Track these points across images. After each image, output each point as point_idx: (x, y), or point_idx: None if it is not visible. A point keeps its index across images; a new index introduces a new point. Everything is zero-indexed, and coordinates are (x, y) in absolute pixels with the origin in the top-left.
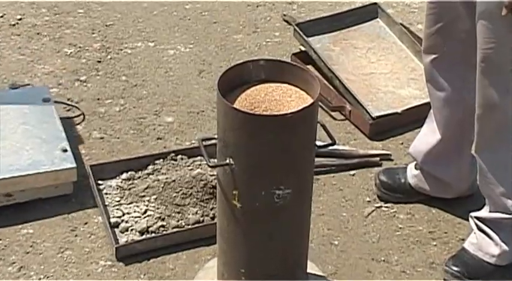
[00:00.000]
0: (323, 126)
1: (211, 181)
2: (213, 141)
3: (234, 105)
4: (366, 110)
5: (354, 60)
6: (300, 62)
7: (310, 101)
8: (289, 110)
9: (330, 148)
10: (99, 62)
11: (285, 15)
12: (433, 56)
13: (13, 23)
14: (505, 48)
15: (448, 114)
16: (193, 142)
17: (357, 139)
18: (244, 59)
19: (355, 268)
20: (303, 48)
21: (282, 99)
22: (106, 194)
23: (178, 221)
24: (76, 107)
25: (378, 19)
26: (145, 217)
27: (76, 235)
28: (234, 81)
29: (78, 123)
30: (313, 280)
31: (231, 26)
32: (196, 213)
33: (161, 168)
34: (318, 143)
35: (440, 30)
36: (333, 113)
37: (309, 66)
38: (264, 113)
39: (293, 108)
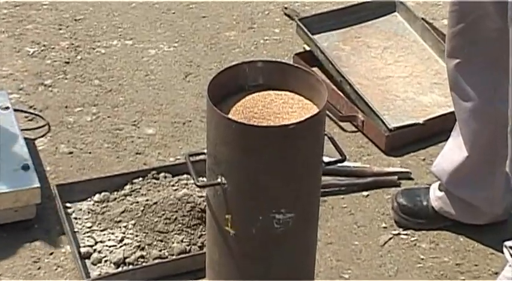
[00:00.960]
0: (331, 139)
1: (200, 204)
2: (202, 156)
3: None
4: (382, 120)
5: (367, 62)
6: (304, 63)
7: (315, 110)
8: (291, 121)
9: (339, 164)
10: (67, 63)
11: (286, 8)
12: (458, 60)
13: None
14: None
15: (477, 127)
16: (178, 157)
17: (371, 154)
18: (239, 60)
19: None
20: (307, 48)
21: (282, 110)
22: (75, 219)
23: (160, 251)
24: (40, 116)
25: (395, 13)
26: (121, 246)
27: (39, 268)
28: (227, 86)
29: (42, 136)
30: None
31: (222, 21)
32: (182, 241)
33: (140, 188)
34: (325, 159)
35: (465, 30)
36: (342, 124)
37: (315, 69)
38: (262, 124)
39: (296, 119)
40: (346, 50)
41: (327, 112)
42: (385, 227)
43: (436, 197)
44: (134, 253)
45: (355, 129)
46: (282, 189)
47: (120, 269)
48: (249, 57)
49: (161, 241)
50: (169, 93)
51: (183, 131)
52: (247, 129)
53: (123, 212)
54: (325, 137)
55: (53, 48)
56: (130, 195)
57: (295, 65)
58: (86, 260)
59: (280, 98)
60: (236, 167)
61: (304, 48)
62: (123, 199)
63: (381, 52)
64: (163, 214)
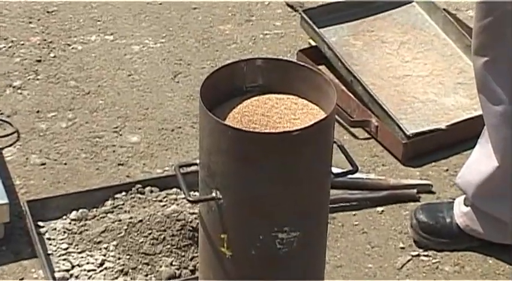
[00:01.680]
0: (341, 147)
1: (191, 222)
2: (194, 168)
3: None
4: (399, 126)
5: (381, 59)
6: (309, 61)
7: (323, 115)
8: (295, 127)
9: (350, 176)
10: (38, 61)
11: None
12: (486, 58)
13: None
14: None
15: (509, 133)
16: (166, 168)
17: (386, 165)
18: (235, 58)
19: None
20: (313, 43)
21: (284, 118)
22: (49, 239)
23: (146, 275)
24: (8, 122)
25: (413, 3)
26: (102, 271)
27: None
28: (222, 88)
29: (10, 145)
30: None
31: (216, 13)
32: (171, 264)
33: (123, 204)
34: (334, 170)
35: (494, 25)
36: (354, 130)
37: (321, 68)
38: (263, 130)
39: (300, 126)
40: (357, 46)
41: (336, 117)
42: (402, 248)
43: (461, 213)
44: (116, 278)
45: (368, 136)
46: (285, 204)
47: None
48: (246, 55)
49: (147, 264)
50: (156, 95)
51: (172, 138)
52: (246, 137)
53: (103, 231)
54: (334, 145)
55: (23, 44)
56: (112, 212)
57: (300, 63)
58: None
59: (283, 103)
60: (233, 180)
61: (309, 43)
62: (103, 217)
63: (397, 48)
64: (149, 234)
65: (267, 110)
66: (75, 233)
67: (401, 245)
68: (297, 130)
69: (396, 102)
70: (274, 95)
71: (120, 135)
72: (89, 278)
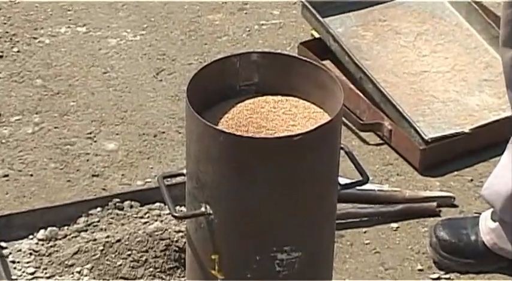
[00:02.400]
0: (349, 154)
1: (177, 241)
2: (180, 179)
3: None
4: (415, 129)
5: (395, 53)
6: (312, 55)
7: (327, 118)
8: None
9: (360, 187)
10: (0, 57)
11: None
12: None
13: None
14: None
15: None
16: (148, 180)
17: (402, 174)
18: (226, 53)
19: None
20: (316, 35)
21: (283, 124)
22: (13, 262)
23: None
24: None
25: None
26: None
27: None
28: (211, 87)
29: None
30: None
31: (204, 1)
32: None
33: (99, 221)
34: (341, 180)
35: None
36: (364, 135)
37: (326, 63)
38: (259, 135)
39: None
40: (367, 38)
41: (343, 119)
42: (420, 270)
43: (487, 229)
44: None
45: (381, 142)
46: (285, 220)
47: None
48: (239, 49)
49: None
50: (136, 96)
51: (155, 145)
52: (240, 142)
53: (76, 253)
54: (342, 152)
55: None
56: (86, 230)
57: (301, 58)
58: None
59: (281, 106)
60: (225, 192)
61: (312, 35)
62: (76, 236)
63: (413, 40)
64: (129, 255)
65: (263, 116)
66: (44, 255)
67: (419, 266)
68: (298, 134)
69: (413, 103)
70: (271, 97)
71: (95, 142)
72: None
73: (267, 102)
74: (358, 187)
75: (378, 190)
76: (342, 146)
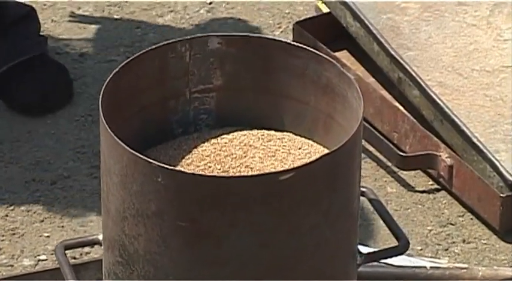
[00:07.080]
0: (375, 204)
1: None
2: (94, 250)
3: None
4: (494, 165)
5: (457, 37)
6: (316, 41)
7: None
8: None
9: (396, 260)
10: None
11: None
12: None
13: None
14: None
15: None
16: (42, 257)
17: (471, 240)
18: (169, 39)
19: None
20: (325, 9)
21: (266, 162)
22: None
23: None
24: None
25: None
26: None
27: None
28: (139, 101)
29: None
30: None
31: None
32: None
33: None
34: (362, 249)
35: None
36: (407, 175)
37: (340, 54)
38: (229, 174)
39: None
40: (411, 13)
41: (369, 147)
42: None
43: None
44: None
45: (435, 186)
46: None
47: None
48: (192, 32)
49: None
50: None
51: (53, 198)
52: (197, 183)
53: None
54: (365, 202)
55: None
56: None
57: (297, 44)
58: None
59: (255, 151)
60: (172, 267)
61: (318, 8)
62: None
63: (487, 15)
64: None
65: (226, 166)
66: None
67: None
68: (288, 171)
69: (488, 120)
70: (239, 132)
71: None
72: None
73: (230, 143)
74: (394, 260)
75: (431, 267)
76: (364, 191)
